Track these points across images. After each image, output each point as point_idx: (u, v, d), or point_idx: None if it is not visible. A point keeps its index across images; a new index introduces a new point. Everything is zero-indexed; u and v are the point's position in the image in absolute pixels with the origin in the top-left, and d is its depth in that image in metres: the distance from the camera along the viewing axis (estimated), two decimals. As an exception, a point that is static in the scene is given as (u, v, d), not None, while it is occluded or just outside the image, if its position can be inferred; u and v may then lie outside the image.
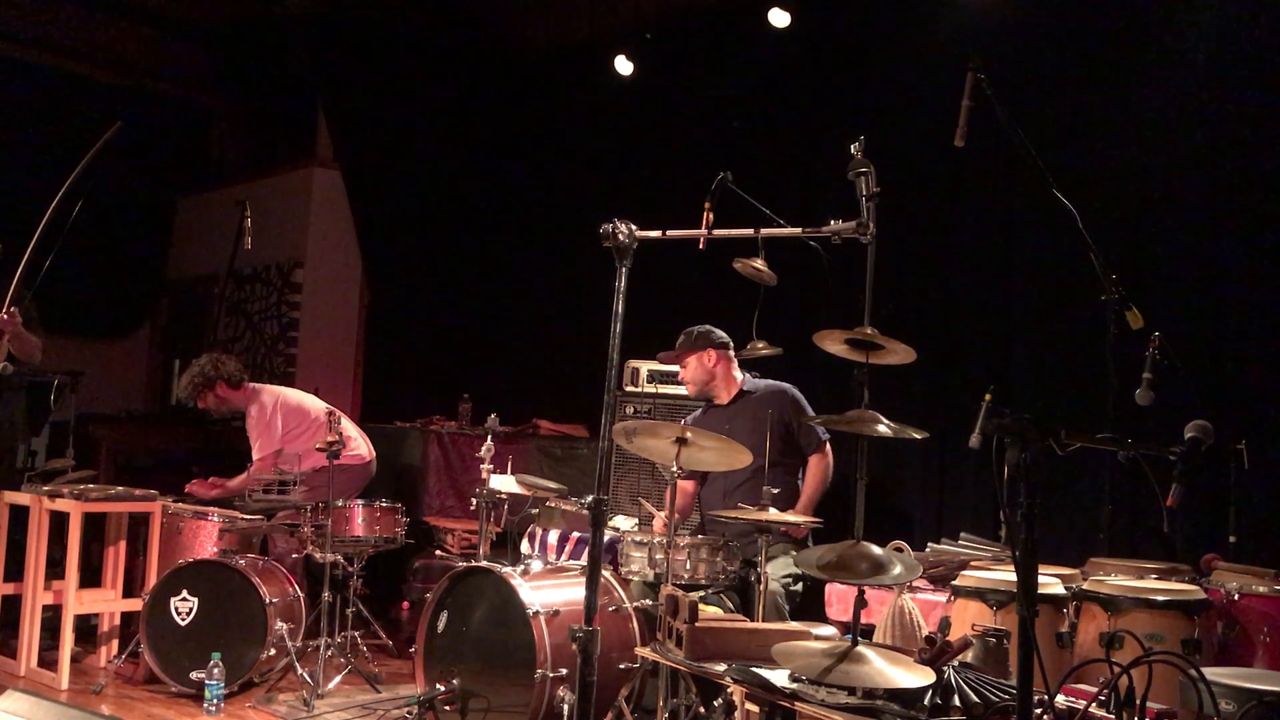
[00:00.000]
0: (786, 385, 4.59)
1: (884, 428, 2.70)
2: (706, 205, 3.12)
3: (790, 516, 3.90)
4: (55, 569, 4.79)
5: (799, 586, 4.17)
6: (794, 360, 4.84)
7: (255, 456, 5.37)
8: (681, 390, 5.22)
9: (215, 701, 4.19)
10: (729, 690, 2.84)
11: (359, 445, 5.57)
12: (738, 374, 4.63)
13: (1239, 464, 3.58)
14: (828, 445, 4.48)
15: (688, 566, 3.84)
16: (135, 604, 4.70)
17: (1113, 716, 2.23)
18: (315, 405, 5.57)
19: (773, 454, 4.12)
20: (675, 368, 5.11)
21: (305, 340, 8.27)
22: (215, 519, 4.87)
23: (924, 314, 5.07)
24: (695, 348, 4.56)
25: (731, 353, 4.59)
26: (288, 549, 5.12)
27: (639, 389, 5.31)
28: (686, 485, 4.65)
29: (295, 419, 5.47)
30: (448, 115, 7.80)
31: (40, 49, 8.40)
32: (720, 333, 4.57)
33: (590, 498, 2.71)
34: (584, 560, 3.89)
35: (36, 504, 4.75)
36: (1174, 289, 4.30)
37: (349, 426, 5.53)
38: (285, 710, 4.28)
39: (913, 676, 2.42)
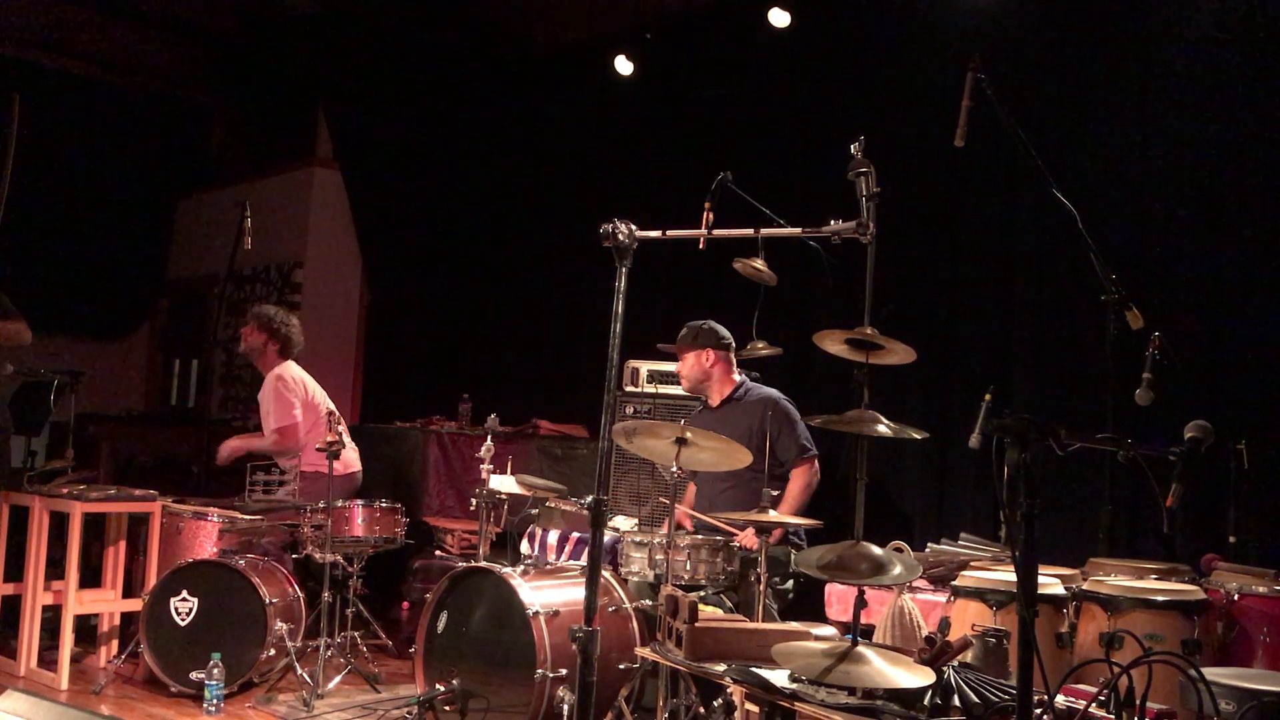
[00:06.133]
0: (775, 395, 4.52)
1: (884, 428, 2.70)
2: (706, 205, 3.12)
3: (788, 518, 3.91)
4: (55, 569, 4.79)
5: (788, 585, 4.17)
6: (794, 360, 4.85)
7: (274, 425, 5.26)
8: (681, 390, 5.22)
9: (215, 701, 4.19)
10: (729, 690, 2.84)
11: (352, 453, 5.52)
12: (736, 376, 4.59)
13: (1239, 464, 3.58)
14: (815, 461, 4.41)
15: (688, 567, 3.84)
16: (135, 604, 4.70)
17: (1113, 716, 2.23)
18: (324, 402, 5.55)
19: (752, 465, 4.10)
20: (670, 365, 5.11)
21: (305, 340, 8.25)
22: (215, 519, 4.87)
23: (924, 314, 5.07)
24: (695, 346, 4.53)
25: (732, 355, 4.56)
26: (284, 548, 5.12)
27: (639, 389, 5.31)
28: (690, 486, 4.65)
29: (311, 414, 5.40)
30: (447, 115, 7.80)
31: (40, 49, 8.41)
32: (724, 333, 4.52)
33: (590, 498, 2.71)
34: (584, 560, 3.89)
35: (36, 504, 4.75)
36: (1174, 289, 4.30)
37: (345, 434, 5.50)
38: (285, 710, 4.28)
39: (913, 676, 2.42)
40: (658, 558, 3.87)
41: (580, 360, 6.57)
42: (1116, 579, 3.24)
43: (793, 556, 4.06)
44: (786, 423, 4.41)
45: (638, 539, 4.00)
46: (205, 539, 4.84)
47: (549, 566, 4.37)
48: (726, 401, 4.56)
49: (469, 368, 7.53)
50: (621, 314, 2.79)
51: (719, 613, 3.69)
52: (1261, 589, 3.10)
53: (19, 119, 4.81)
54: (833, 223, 2.99)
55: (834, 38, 5.67)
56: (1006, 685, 2.46)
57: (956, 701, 2.43)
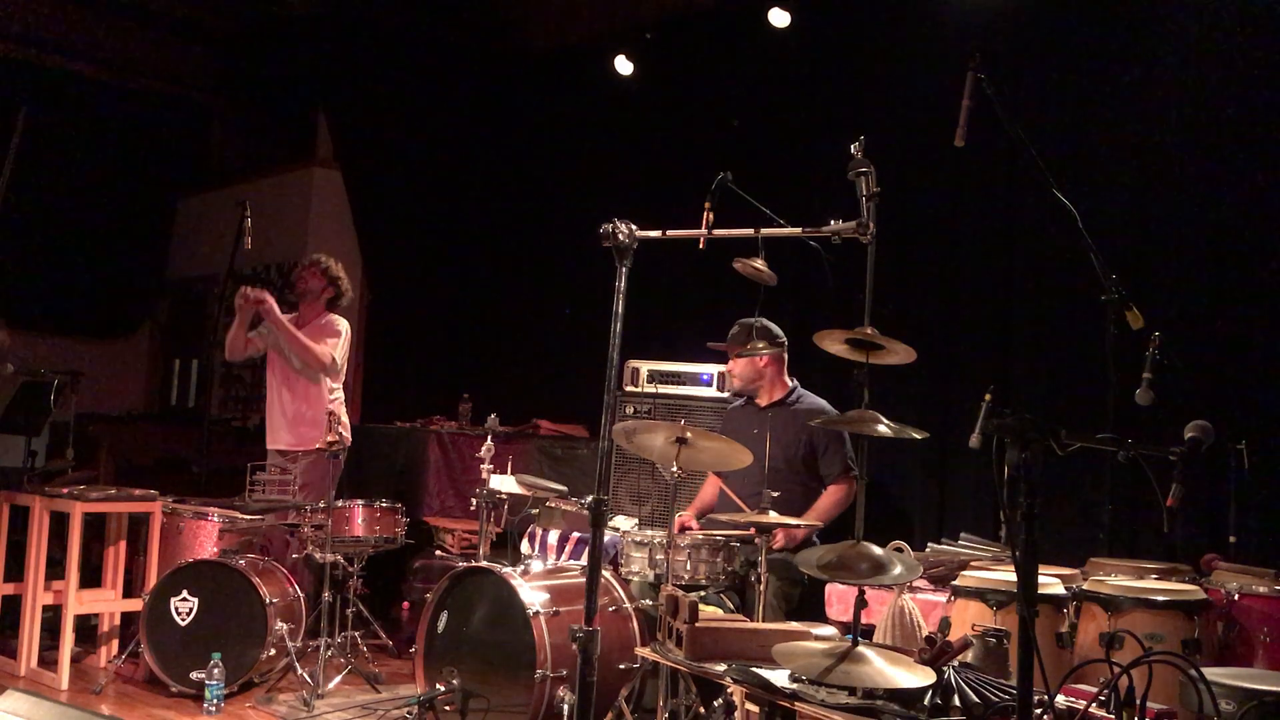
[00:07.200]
0: (829, 408, 4.51)
1: (884, 428, 2.70)
2: (706, 205, 3.12)
3: (790, 520, 3.90)
4: (55, 569, 4.79)
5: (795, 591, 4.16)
6: (794, 360, 4.84)
7: (318, 353, 5.48)
8: (681, 390, 5.22)
9: (215, 701, 4.19)
10: (729, 690, 2.84)
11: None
12: (788, 380, 4.59)
13: (1239, 464, 3.58)
14: (854, 481, 4.39)
15: (688, 567, 3.84)
16: (135, 604, 4.70)
17: (1113, 716, 2.23)
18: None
19: (790, 470, 4.09)
20: (670, 365, 5.09)
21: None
22: (215, 519, 4.87)
23: (924, 314, 5.07)
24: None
25: (785, 355, 4.55)
26: (287, 549, 5.12)
27: (639, 389, 5.31)
28: (715, 483, 4.63)
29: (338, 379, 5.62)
30: (447, 116, 7.79)
31: (40, 49, 8.41)
32: (778, 331, 4.49)
33: (590, 498, 2.71)
34: (584, 560, 3.89)
35: (36, 504, 4.75)
36: (1174, 289, 4.30)
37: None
38: (285, 710, 4.28)
39: (913, 676, 2.42)
40: (658, 558, 3.87)
41: (580, 360, 6.57)
42: (1116, 579, 3.23)
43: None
44: (836, 438, 4.40)
45: (638, 539, 4.00)
46: (205, 539, 4.84)
47: (549, 566, 4.37)
48: (777, 404, 4.54)
49: (469, 368, 7.53)
50: (622, 314, 2.79)
51: (719, 613, 3.69)
52: (1261, 589, 3.10)
53: (23, 130, 4.87)
54: (833, 223, 2.99)
55: (834, 38, 5.67)
56: (1006, 685, 2.46)
57: (956, 701, 2.43)
